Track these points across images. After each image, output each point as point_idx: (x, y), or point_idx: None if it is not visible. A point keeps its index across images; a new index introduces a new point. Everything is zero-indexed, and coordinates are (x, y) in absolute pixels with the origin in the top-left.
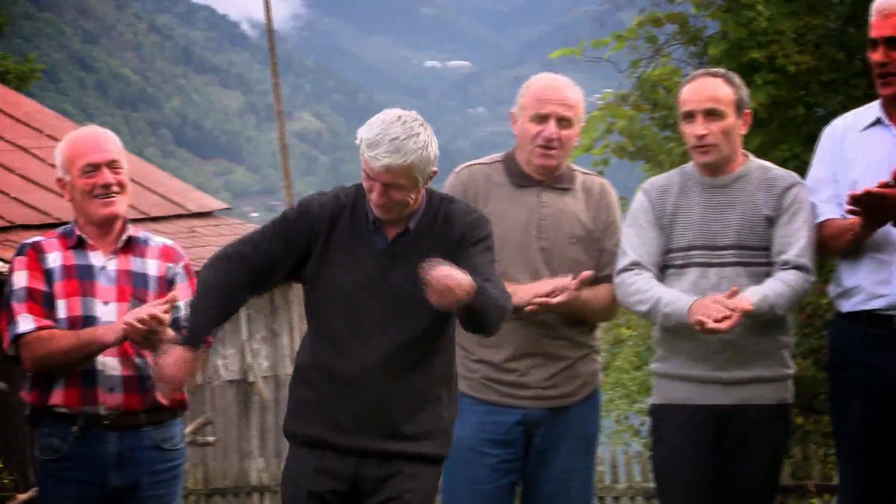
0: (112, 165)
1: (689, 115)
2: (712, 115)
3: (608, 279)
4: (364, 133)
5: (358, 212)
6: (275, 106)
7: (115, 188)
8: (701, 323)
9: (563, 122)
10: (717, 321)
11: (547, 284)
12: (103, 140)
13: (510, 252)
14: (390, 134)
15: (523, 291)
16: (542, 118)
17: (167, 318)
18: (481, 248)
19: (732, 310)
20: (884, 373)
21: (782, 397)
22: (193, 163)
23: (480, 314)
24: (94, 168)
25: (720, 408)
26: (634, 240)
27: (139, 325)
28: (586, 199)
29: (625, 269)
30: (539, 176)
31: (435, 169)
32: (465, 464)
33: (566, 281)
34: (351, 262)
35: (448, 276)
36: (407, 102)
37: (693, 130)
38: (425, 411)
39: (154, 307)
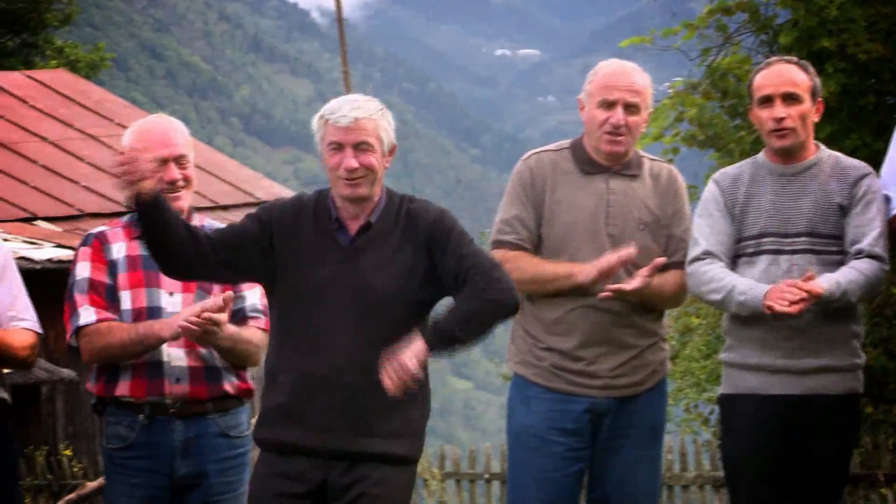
0: (179, 161)
1: (767, 100)
2: (791, 99)
3: (677, 266)
4: (322, 110)
5: (320, 211)
6: (344, 95)
7: (181, 183)
8: (771, 307)
9: (630, 108)
10: (788, 305)
11: (610, 258)
12: (171, 133)
13: (578, 238)
14: (349, 99)
15: (588, 268)
16: (609, 104)
17: (223, 318)
18: (455, 237)
19: (806, 292)
20: None
21: (852, 387)
22: (263, 151)
23: (455, 348)
24: (161, 163)
25: (789, 397)
26: (706, 229)
27: (193, 328)
28: (654, 185)
29: (697, 259)
30: (607, 162)
31: (395, 143)
32: (532, 452)
33: (630, 251)
34: (316, 259)
35: (398, 371)
36: (476, 91)
37: (772, 114)
38: (397, 410)
39: (212, 303)
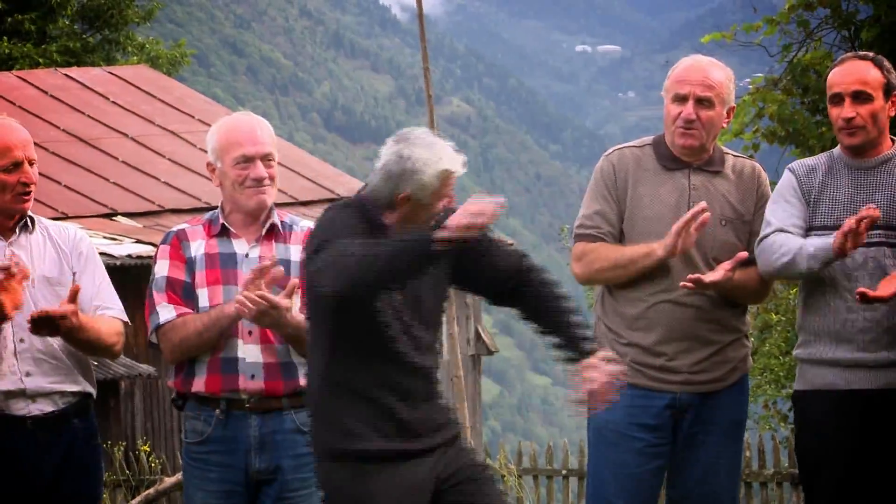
0: (266, 158)
1: (837, 98)
2: (860, 97)
3: None
4: (422, 158)
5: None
6: (425, 90)
7: (267, 182)
8: (863, 293)
9: (703, 102)
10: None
11: (679, 222)
12: (258, 131)
13: (661, 235)
14: (440, 144)
15: (664, 240)
16: (681, 99)
17: (286, 303)
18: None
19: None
20: None
21: None
22: (343, 147)
23: None
24: (248, 160)
25: (865, 392)
26: (780, 212)
27: (249, 304)
28: (737, 181)
29: (767, 236)
30: (686, 157)
31: None
32: (612, 447)
33: (702, 205)
34: None
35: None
36: (557, 87)
37: (841, 113)
38: (440, 403)
39: (280, 295)
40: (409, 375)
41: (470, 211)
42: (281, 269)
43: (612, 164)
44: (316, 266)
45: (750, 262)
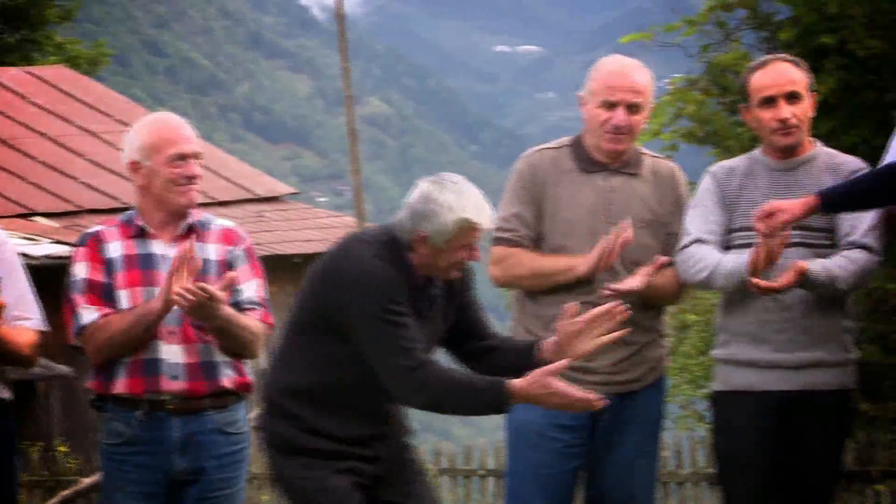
0: (196, 157)
1: (770, 101)
2: (794, 97)
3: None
4: (447, 202)
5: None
6: (344, 91)
7: (196, 179)
8: (757, 284)
9: (632, 108)
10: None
11: (608, 240)
12: (188, 130)
13: (579, 236)
14: (473, 194)
15: (587, 259)
16: (611, 105)
17: (221, 295)
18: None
19: (794, 272)
20: None
21: (845, 382)
22: (262, 147)
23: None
24: (182, 158)
25: (782, 393)
26: (697, 219)
27: (187, 296)
28: (655, 182)
29: (686, 246)
30: (607, 160)
31: None
32: (531, 448)
33: (628, 233)
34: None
35: None
36: (477, 87)
37: (776, 115)
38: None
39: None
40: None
41: (563, 398)
42: (200, 260)
43: (531, 166)
44: (383, 339)
45: (668, 264)
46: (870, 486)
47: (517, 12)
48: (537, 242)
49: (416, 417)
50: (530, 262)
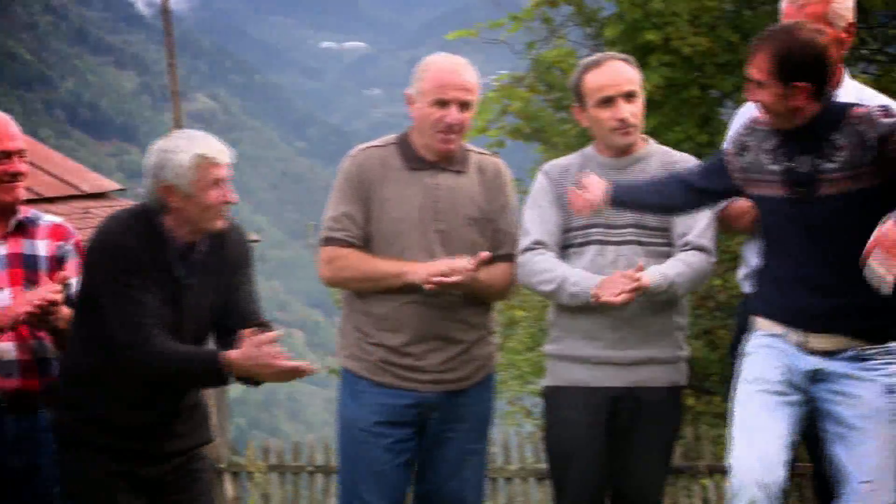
0: (20, 154)
1: (609, 100)
2: (631, 97)
3: (504, 258)
4: (178, 146)
5: (157, 243)
6: (170, 87)
7: (22, 176)
8: (597, 296)
9: (464, 105)
10: (616, 295)
11: (443, 264)
12: (12, 127)
13: (407, 235)
14: (204, 135)
15: (420, 269)
16: (443, 104)
17: (59, 297)
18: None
19: (635, 283)
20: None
21: (676, 380)
22: (88, 144)
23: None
24: (7, 156)
25: (614, 390)
26: (536, 220)
27: (36, 311)
28: (481, 179)
29: (528, 249)
30: (436, 159)
31: None
32: (361, 445)
33: (463, 262)
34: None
35: None
36: (303, 83)
37: (615, 114)
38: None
39: (47, 290)
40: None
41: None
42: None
43: (357, 165)
44: (112, 311)
45: (495, 259)
46: (697, 482)
47: (343, 8)
48: (367, 241)
49: (245, 414)
50: (361, 264)
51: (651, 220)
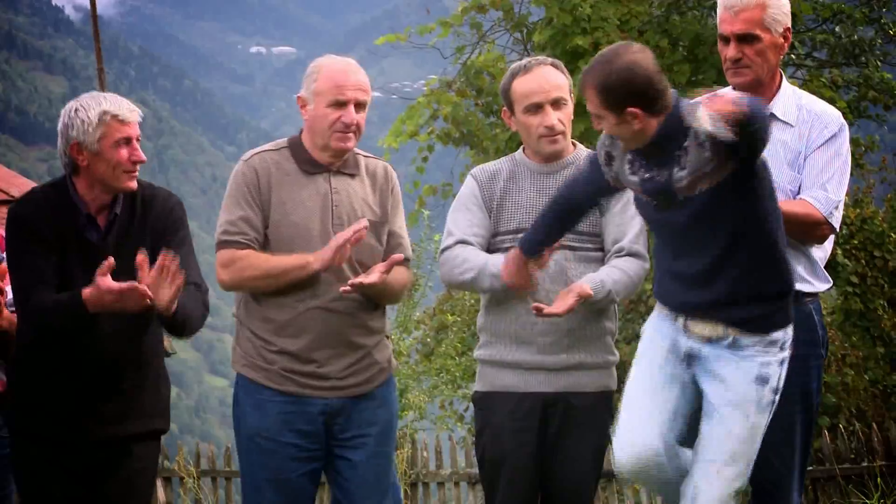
0: None
1: (537, 107)
2: (559, 103)
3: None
4: (83, 105)
5: (63, 209)
6: (99, 91)
7: None
8: (538, 308)
9: (359, 106)
10: (558, 307)
11: (343, 234)
12: None
13: (306, 238)
14: (109, 95)
15: (323, 254)
16: (340, 104)
17: None
18: (182, 237)
19: (576, 295)
20: None
21: (606, 384)
22: (17, 149)
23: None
24: None
25: (545, 395)
26: (462, 222)
27: None
28: (371, 183)
29: (449, 247)
30: (329, 160)
31: None
32: (266, 454)
33: (362, 223)
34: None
35: None
36: (233, 88)
37: (543, 121)
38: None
39: None
40: (99, 364)
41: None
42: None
43: (254, 169)
44: (12, 280)
45: (401, 263)
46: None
47: (272, 14)
48: (264, 246)
49: (176, 419)
50: (262, 262)
51: (582, 225)
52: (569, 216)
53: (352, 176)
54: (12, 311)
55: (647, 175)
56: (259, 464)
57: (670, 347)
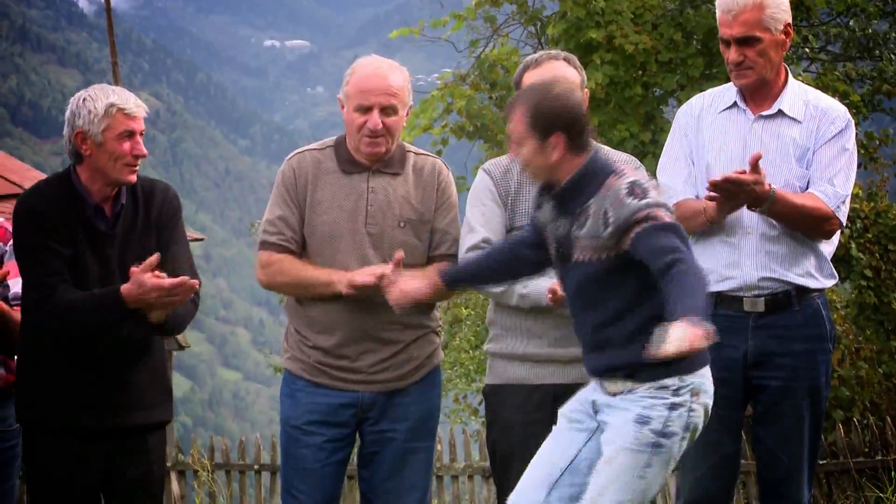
0: None
1: None
2: None
3: (443, 258)
4: (91, 95)
5: (71, 200)
6: (113, 85)
7: None
8: (554, 291)
9: (388, 110)
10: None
11: (369, 273)
12: None
13: (339, 238)
14: (118, 88)
15: (344, 278)
16: (365, 109)
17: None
18: (181, 230)
19: None
20: (728, 352)
21: None
22: (31, 142)
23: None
24: None
25: (556, 387)
26: (480, 218)
27: None
28: (416, 180)
29: (475, 248)
30: (367, 162)
31: None
32: (294, 443)
33: (387, 270)
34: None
35: None
36: (246, 82)
37: None
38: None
39: None
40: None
41: None
42: None
43: (293, 169)
44: (22, 275)
45: (434, 258)
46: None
47: (284, 8)
48: (303, 245)
49: (190, 413)
50: (294, 271)
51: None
52: (507, 268)
53: (394, 175)
54: (15, 306)
55: (554, 223)
56: (289, 452)
57: (585, 400)
